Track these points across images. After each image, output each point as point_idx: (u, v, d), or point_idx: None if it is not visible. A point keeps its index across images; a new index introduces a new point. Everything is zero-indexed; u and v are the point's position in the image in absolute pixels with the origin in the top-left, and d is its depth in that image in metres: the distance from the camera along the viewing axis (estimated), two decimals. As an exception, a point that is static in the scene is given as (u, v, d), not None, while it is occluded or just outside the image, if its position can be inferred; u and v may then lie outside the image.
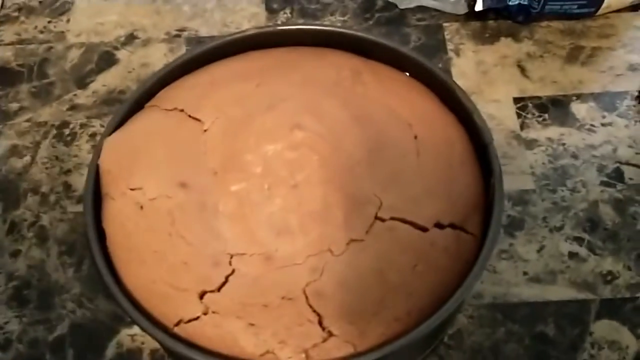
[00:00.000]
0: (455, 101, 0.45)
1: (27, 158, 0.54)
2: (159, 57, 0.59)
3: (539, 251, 0.48)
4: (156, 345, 0.45)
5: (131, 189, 0.41)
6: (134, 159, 0.42)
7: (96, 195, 0.42)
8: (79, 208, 0.51)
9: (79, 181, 0.53)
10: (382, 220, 0.39)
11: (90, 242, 0.40)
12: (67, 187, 0.52)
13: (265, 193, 0.40)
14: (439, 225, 0.40)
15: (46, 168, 0.53)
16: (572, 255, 0.48)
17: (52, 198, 0.52)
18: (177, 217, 0.40)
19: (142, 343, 0.45)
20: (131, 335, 0.46)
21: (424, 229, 0.39)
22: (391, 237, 0.39)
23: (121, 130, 0.44)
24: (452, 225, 0.40)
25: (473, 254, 0.40)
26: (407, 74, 0.47)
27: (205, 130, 0.42)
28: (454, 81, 0.45)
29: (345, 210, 0.39)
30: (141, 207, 0.41)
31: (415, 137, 0.43)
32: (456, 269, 0.39)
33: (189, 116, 0.43)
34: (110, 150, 0.43)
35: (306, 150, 0.41)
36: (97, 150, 0.43)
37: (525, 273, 0.47)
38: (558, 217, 0.49)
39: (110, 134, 0.44)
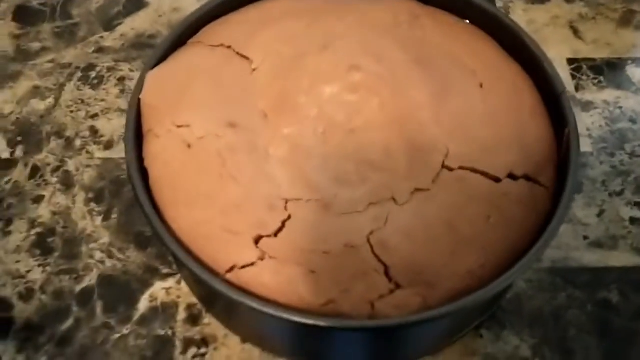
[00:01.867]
0: (522, 49, 0.42)
1: (50, 100, 0.50)
2: (191, 2, 0.55)
3: (599, 215, 0.45)
4: (193, 299, 0.42)
5: (178, 126, 0.38)
6: (180, 95, 0.39)
7: (137, 133, 0.39)
8: (108, 154, 0.48)
9: (107, 126, 0.49)
10: (450, 169, 0.36)
11: (133, 180, 0.36)
12: (94, 132, 0.49)
13: (320, 138, 0.37)
14: (512, 176, 0.37)
15: (71, 112, 0.50)
16: (634, 220, 0.45)
17: (78, 143, 0.48)
18: (228, 158, 0.36)
19: (178, 297, 0.42)
20: (166, 288, 0.42)
21: (496, 180, 0.36)
22: (461, 187, 0.36)
23: (164, 65, 0.41)
24: (526, 177, 0.37)
25: (546, 207, 0.37)
26: (467, 21, 0.44)
27: (254, 69, 0.39)
28: (521, 27, 0.42)
29: (409, 157, 0.36)
30: (188, 146, 0.37)
31: (481, 86, 0.40)
32: (531, 223, 0.37)
33: (237, 53, 0.40)
34: (153, 85, 0.40)
35: (365, 92, 0.38)
36: (139, 84, 0.39)
37: (585, 237, 0.44)
38: (617, 181, 0.47)
39: (152, 68, 0.40)
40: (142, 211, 0.35)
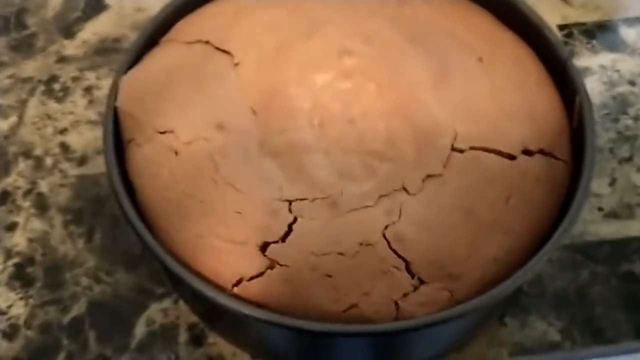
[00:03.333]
0: (519, 18, 0.39)
1: (14, 118, 0.46)
2: (155, 1, 0.52)
3: (610, 185, 0.43)
4: (194, 318, 0.39)
5: (160, 132, 0.35)
6: (159, 99, 0.36)
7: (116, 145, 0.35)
8: (83, 170, 0.44)
9: (78, 141, 0.45)
10: (460, 151, 0.34)
11: (118, 196, 0.33)
12: (65, 148, 0.45)
13: (317, 131, 0.34)
14: (527, 152, 0.34)
15: (37, 128, 0.46)
16: (647, 186, 0.43)
17: (49, 161, 0.45)
18: (220, 162, 0.33)
19: (177, 317, 0.39)
20: (163, 309, 0.39)
21: (511, 157, 0.34)
22: (474, 168, 0.33)
23: (138, 68, 0.37)
24: (542, 152, 0.35)
25: (565, 182, 0.35)
26: (457, -7, 0.42)
27: (237, 64, 0.36)
28: (515, -5, 0.40)
29: (415, 143, 0.34)
30: (176, 153, 0.34)
31: (480, 60, 0.37)
32: (551, 200, 0.34)
33: (216, 48, 0.37)
34: (129, 90, 0.36)
35: (360, 78, 0.35)
36: (112, 91, 0.36)
37: (600, 209, 0.42)
38: (625, 147, 0.45)
39: (125, 72, 0.37)
40: (132, 229, 0.32)
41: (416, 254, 0.32)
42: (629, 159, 0.44)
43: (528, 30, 0.39)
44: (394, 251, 0.31)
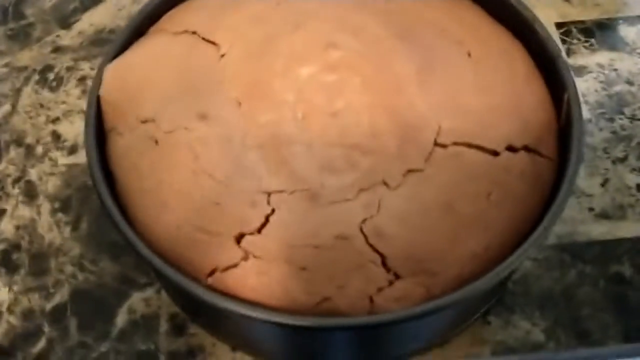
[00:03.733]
0: (510, 13, 0.39)
1: (7, 107, 0.46)
2: (152, -8, 0.52)
3: (603, 185, 0.42)
4: (175, 309, 0.38)
5: (142, 122, 0.35)
6: (142, 88, 0.36)
7: (98, 134, 0.35)
8: (72, 160, 0.44)
9: (70, 130, 0.45)
10: (443, 146, 0.33)
11: (97, 185, 0.33)
12: (56, 137, 0.45)
13: (300, 124, 0.34)
14: (511, 149, 0.34)
15: (30, 117, 0.46)
16: (641, 187, 0.42)
17: (40, 150, 0.45)
18: (201, 152, 0.33)
19: (159, 307, 0.39)
20: (145, 299, 0.39)
21: (494, 153, 0.34)
22: (457, 164, 0.33)
23: (123, 57, 0.37)
24: (526, 148, 0.34)
25: (550, 180, 0.35)
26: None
27: (222, 55, 0.36)
28: (506, -11, 0.39)
29: (398, 137, 0.33)
30: (156, 142, 0.34)
31: (469, 54, 0.37)
32: (535, 197, 0.34)
33: (203, 39, 0.37)
34: (113, 79, 0.36)
35: (345, 71, 0.35)
36: (96, 79, 0.36)
37: (591, 209, 0.41)
38: (620, 147, 0.44)
39: (111, 61, 0.37)
40: (109, 218, 0.32)
41: (393, 249, 0.31)
42: (623, 159, 0.43)
43: (519, 26, 0.38)
44: (371, 245, 0.31)
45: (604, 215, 0.41)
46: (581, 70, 0.47)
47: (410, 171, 0.32)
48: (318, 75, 0.35)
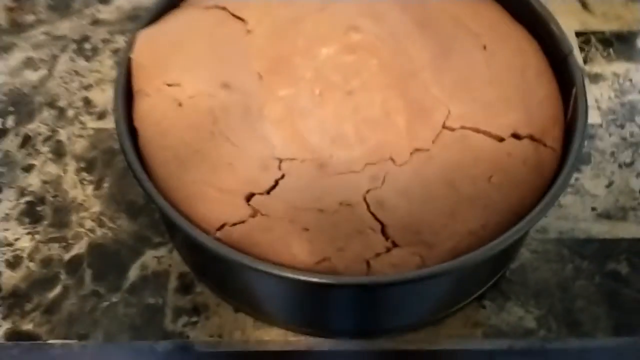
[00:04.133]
0: (527, 11, 0.40)
1: (44, 71, 0.49)
2: (189, -24, 0.54)
3: (608, 186, 0.43)
4: (185, 268, 0.40)
5: (168, 85, 0.37)
6: (171, 54, 0.38)
7: (127, 94, 0.37)
8: (100, 124, 0.46)
9: (101, 97, 0.48)
10: (451, 129, 0.35)
11: (121, 138, 0.35)
12: (87, 102, 0.48)
13: (316, 99, 0.35)
14: (516, 136, 0.35)
15: (64, 82, 0.49)
16: (645, 192, 0.43)
17: (71, 113, 0.47)
18: (220, 117, 0.35)
19: (170, 265, 0.40)
20: (157, 257, 0.41)
21: (499, 139, 0.35)
22: (462, 147, 0.34)
23: (156, 25, 0.40)
24: (531, 137, 0.36)
25: (552, 169, 0.36)
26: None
27: (249, 31, 0.38)
28: (525, -13, 0.41)
29: (408, 117, 0.35)
30: (179, 104, 0.36)
31: (484, 48, 0.38)
32: (535, 183, 0.35)
33: (232, 15, 0.39)
34: (144, 44, 0.39)
35: (363, 53, 0.37)
36: (129, 42, 0.38)
37: (593, 208, 0.43)
38: (627, 152, 0.45)
39: (144, 28, 0.39)
40: (131, 171, 0.34)
41: (393, 219, 0.33)
42: (629, 164, 0.44)
43: (536, 24, 0.40)
44: (372, 213, 0.33)
45: (605, 215, 0.42)
46: (597, 78, 0.49)
47: (417, 150, 0.34)
48: (337, 55, 0.36)
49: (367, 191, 0.33)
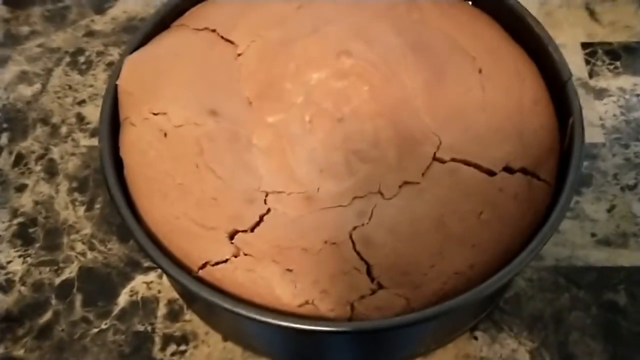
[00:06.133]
0: (526, 32, 0.39)
1: (38, 85, 0.49)
2: (186, -16, 0.53)
3: (609, 211, 0.42)
4: (174, 294, 0.40)
5: (154, 114, 0.36)
6: (158, 81, 0.37)
7: (114, 121, 0.37)
8: (93, 142, 0.46)
9: (94, 113, 0.47)
10: (442, 161, 0.34)
11: (105, 169, 0.35)
12: (81, 118, 0.47)
13: (307, 126, 0.35)
14: (508, 170, 0.34)
15: (58, 97, 0.48)
16: (647, 216, 0.42)
17: (64, 130, 0.47)
18: (206, 148, 0.34)
19: (159, 292, 0.40)
20: (147, 282, 0.41)
21: (490, 173, 0.34)
22: (452, 180, 0.34)
23: (144, 49, 0.39)
24: (523, 170, 0.34)
25: (545, 204, 0.35)
26: (470, 2, 0.41)
27: (239, 54, 0.37)
28: (525, 9, 0.39)
29: (398, 148, 0.34)
30: (165, 135, 0.35)
31: (480, 71, 0.37)
32: (526, 220, 0.34)
33: (222, 37, 0.38)
34: (131, 70, 0.38)
35: (355, 79, 0.36)
36: (116, 69, 0.37)
37: (593, 234, 0.41)
38: (631, 174, 0.44)
39: (131, 52, 0.38)
40: (112, 203, 0.34)
41: (379, 258, 0.32)
42: (632, 187, 0.43)
43: (535, 46, 0.39)
44: (358, 253, 0.32)
45: (605, 242, 0.41)
46: (602, 93, 0.47)
47: (406, 183, 0.33)
48: (328, 80, 0.36)
49: (354, 228, 0.32)
